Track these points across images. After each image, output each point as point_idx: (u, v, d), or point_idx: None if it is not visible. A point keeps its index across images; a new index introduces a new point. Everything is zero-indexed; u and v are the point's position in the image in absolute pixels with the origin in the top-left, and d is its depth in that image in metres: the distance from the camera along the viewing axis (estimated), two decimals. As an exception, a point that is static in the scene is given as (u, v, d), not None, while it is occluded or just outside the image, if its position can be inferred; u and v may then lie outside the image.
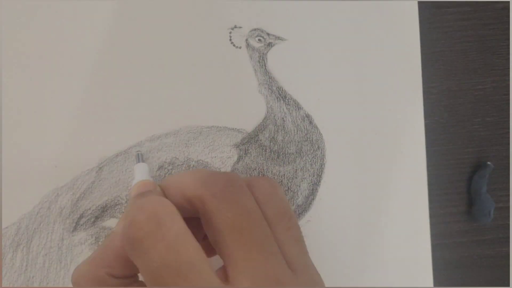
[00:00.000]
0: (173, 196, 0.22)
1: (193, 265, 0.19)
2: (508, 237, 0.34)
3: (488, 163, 0.33)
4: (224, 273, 0.20)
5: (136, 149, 0.30)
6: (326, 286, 0.22)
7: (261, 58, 0.31)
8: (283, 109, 0.31)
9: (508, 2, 0.34)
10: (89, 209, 0.30)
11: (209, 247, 0.21)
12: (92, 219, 0.30)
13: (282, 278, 0.19)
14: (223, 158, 0.31)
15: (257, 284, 0.19)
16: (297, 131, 0.31)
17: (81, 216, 0.30)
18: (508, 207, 0.34)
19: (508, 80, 0.34)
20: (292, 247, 0.22)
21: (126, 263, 0.21)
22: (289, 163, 0.31)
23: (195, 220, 0.22)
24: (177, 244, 0.19)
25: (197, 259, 0.19)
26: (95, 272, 0.21)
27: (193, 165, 0.30)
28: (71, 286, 0.22)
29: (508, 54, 0.34)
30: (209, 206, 0.20)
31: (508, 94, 0.34)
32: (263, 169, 0.31)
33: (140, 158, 0.29)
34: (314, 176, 0.31)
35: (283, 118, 0.31)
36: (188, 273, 0.18)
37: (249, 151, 0.31)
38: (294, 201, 0.31)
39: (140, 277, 0.23)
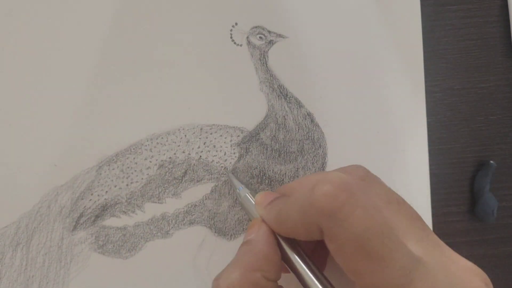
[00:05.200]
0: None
1: (390, 228, 0.20)
2: (512, 237, 0.34)
3: (491, 161, 0.33)
4: None
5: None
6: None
7: (262, 56, 0.31)
8: (284, 107, 0.31)
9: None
10: (89, 208, 0.30)
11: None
12: (92, 218, 0.30)
13: None
14: (224, 157, 0.31)
15: None
16: (298, 129, 0.31)
17: (81, 215, 0.30)
18: (512, 206, 0.34)
19: (511, 78, 0.34)
20: None
21: (276, 265, 0.23)
22: (290, 161, 0.31)
23: None
24: (371, 209, 0.20)
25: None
26: (250, 277, 0.22)
27: (194, 164, 0.30)
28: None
29: (511, 51, 0.33)
30: None
31: (511, 92, 0.34)
32: (264, 168, 0.31)
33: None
34: (315, 175, 0.31)
35: (284, 117, 0.31)
36: (390, 234, 0.20)
37: (250, 150, 0.31)
38: (296, 200, 0.31)
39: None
